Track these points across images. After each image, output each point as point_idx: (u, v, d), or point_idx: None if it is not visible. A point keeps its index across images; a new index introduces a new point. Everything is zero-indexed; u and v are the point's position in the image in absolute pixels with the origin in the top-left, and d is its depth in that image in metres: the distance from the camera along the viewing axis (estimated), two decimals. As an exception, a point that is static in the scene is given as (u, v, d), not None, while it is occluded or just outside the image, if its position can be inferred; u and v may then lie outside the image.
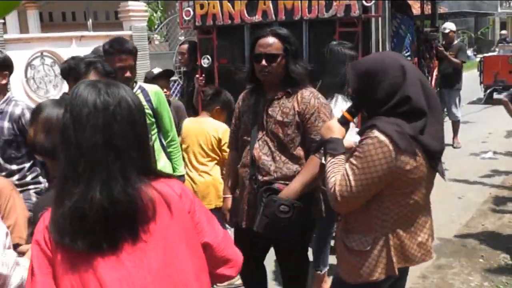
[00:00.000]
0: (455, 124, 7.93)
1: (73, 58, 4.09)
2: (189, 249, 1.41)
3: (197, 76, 5.07)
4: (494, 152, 7.50)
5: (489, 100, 12.16)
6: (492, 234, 4.61)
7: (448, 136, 7.80)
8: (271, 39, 2.67)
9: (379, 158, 1.88)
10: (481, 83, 12.58)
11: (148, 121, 2.02)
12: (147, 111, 3.18)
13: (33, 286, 1.32)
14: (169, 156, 3.51)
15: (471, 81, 14.22)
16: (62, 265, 1.31)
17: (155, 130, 3.42)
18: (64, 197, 1.30)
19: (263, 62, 2.64)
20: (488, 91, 12.26)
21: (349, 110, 2.12)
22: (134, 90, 3.30)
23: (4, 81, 3.09)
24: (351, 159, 1.96)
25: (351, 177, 1.92)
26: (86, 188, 1.29)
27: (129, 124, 1.35)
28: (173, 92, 8.62)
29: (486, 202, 5.51)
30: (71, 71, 3.97)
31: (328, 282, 3.39)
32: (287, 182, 2.61)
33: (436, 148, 1.98)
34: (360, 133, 2.03)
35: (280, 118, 2.65)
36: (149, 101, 3.34)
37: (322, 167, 2.39)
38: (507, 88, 12.08)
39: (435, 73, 7.02)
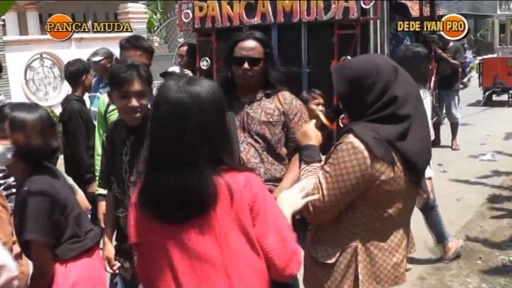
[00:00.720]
0: (454, 126, 7.94)
1: (80, 60, 4.14)
2: (245, 238, 1.52)
3: (196, 78, 5.08)
4: (493, 154, 7.50)
5: (488, 102, 12.16)
6: (491, 236, 4.62)
7: (447, 138, 7.84)
8: (252, 43, 2.66)
9: (352, 165, 1.74)
10: (480, 85, 12.56)
11: None
12: None
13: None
14: None
15: (471, 83, 14.27)
16: (144, 226, 1.58)
17: None
18: (142, 177, 1.56)
19: (246, 65, 2.63)
20: (487, 93, 12.23)
21: (327, 115, 2.01)
22: None
23: None
24: (325, 166, 1.82)
25: (323, 186, 1.79)
26: (156, 173, 1.50)
27: (200, 120, 1.47)
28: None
29: (484, 203, 5.52)
30: (82, 73, 4.02)
31: None
32: (276, 184, 2.63)
33: (417, 158, 1.80)
34: (337, 139, 1.88)
35: (265, 119, 2.66)
36: None
37: None
38: (506, 90, 12.12)
39: (434, 75, 7.02)
